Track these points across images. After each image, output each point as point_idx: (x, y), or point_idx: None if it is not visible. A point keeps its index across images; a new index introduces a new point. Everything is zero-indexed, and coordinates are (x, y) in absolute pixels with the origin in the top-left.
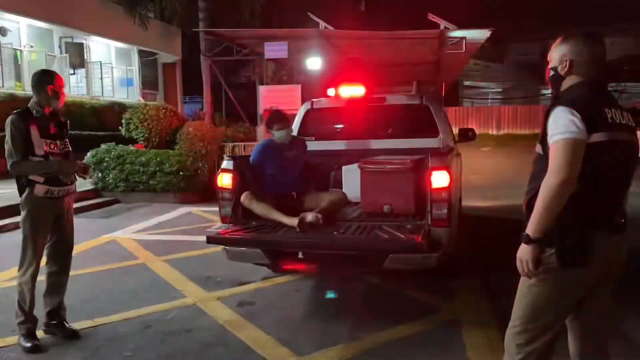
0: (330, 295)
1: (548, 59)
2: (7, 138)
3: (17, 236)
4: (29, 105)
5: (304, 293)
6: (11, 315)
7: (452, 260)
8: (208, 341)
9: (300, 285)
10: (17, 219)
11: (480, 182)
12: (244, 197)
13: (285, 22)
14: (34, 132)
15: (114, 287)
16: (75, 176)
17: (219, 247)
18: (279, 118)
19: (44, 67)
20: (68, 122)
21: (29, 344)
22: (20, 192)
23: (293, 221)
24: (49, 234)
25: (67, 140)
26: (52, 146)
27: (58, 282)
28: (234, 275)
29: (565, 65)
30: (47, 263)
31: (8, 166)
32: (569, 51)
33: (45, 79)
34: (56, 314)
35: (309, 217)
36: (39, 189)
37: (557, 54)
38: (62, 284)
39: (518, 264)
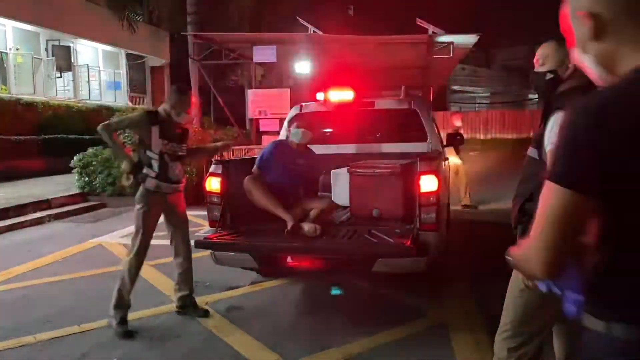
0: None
1: (536, 60)
2: (131, 114)
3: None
4: (159, 108)
5: (292, 298)
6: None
7: (440, 264)
8: (197, 347)
9: (288, 290)
10: (8, 222)
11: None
12: (247, 181)
13: (274, 26)
14: (155, 132)
15: (100, 292)
16: (183, 176)
17: (207, 252)
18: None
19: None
20: (189, 130)
21: (120, 329)
22: (137, 188)
23: (288, 217)
24: (154, 228)
25: (184, 145)
26: (168, 147)
27: (185, 270)
28: (222, 280)
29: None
30: (174, 256)
31: (103, 123)
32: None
33: (186, 102)
34: (188, 298)
35: (306, 228)
36: (150, 183)
37: (559, 57)
38: (188, 272)
39: (514, 275)
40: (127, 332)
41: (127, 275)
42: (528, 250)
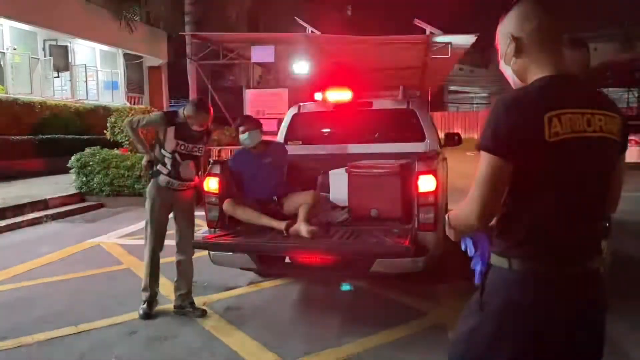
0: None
1: None
2: (151, 114)
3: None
4: (179, 110)
5: (291, 298)
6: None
7: (439, 263)
8: (194, 347)
9: (287, 290)
10: (5, 222)
11: (466, 186)
12: (226, 205)
13: (272, 26)
14: (170, 132)
15: (98, 292)
16: (196, 174)
17: (205, 252)
18: (244, 120)
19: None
20: (211, 132)
21: (141, 311)
22: (149, 182)
23: (282, 225)
24: (166, 221)
25: (201, 146)
26: (182, 147)
27: (184, 268)
28: (220, 280)
29: None
30: (175, 252)
31: (128, 119)
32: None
33: (200, 117)
34: (186, 298)
35: (304, 230)
36: (162, 179)
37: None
38: (188, 270)
39: None
40: (145, 314)
41: (144, 266)
42: (466, 204)
